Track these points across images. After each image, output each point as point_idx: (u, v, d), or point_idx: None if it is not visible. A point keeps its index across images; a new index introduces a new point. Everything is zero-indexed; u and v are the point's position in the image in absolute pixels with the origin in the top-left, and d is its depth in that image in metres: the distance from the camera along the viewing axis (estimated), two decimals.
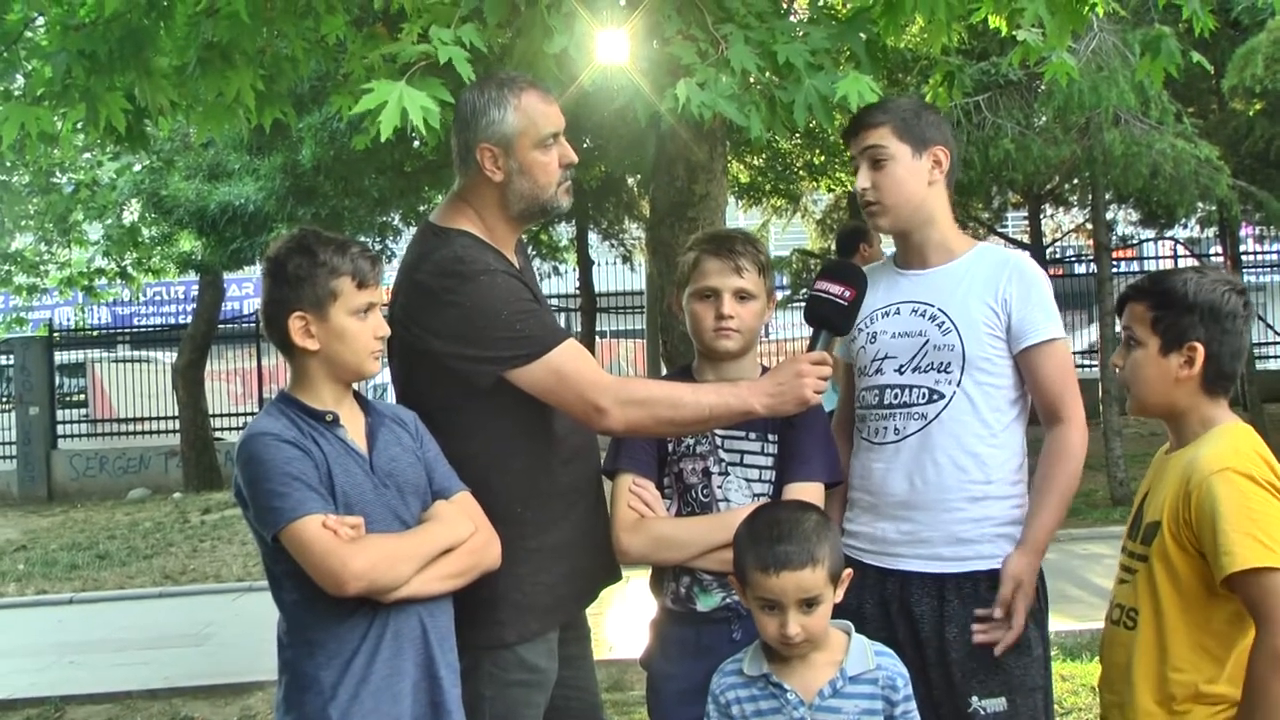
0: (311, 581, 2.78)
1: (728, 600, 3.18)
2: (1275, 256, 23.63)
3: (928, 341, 3.26)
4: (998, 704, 3.15)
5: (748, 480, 3.24)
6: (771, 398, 3.10)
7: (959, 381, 3.22)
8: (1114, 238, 20.03)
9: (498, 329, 3.09)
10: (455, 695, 2.98)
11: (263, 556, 2.95)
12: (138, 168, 16.74)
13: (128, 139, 5.84)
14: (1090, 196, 13.21)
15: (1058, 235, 22.48)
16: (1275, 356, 22.78)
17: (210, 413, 19.50)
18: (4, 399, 21.31)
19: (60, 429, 20.06)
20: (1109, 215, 19.34)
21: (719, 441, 3.25)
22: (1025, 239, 20.52)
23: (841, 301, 3.18)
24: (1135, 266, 22.10)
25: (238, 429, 20.43)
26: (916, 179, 3.29)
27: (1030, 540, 3.20)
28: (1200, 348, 2.80)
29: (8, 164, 14.50)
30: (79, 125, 5.42)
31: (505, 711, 3.22)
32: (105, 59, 4.97)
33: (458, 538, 2.97)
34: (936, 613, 3.20)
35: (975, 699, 3.14)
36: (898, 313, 3.34)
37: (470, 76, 3.38)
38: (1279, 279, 24.35)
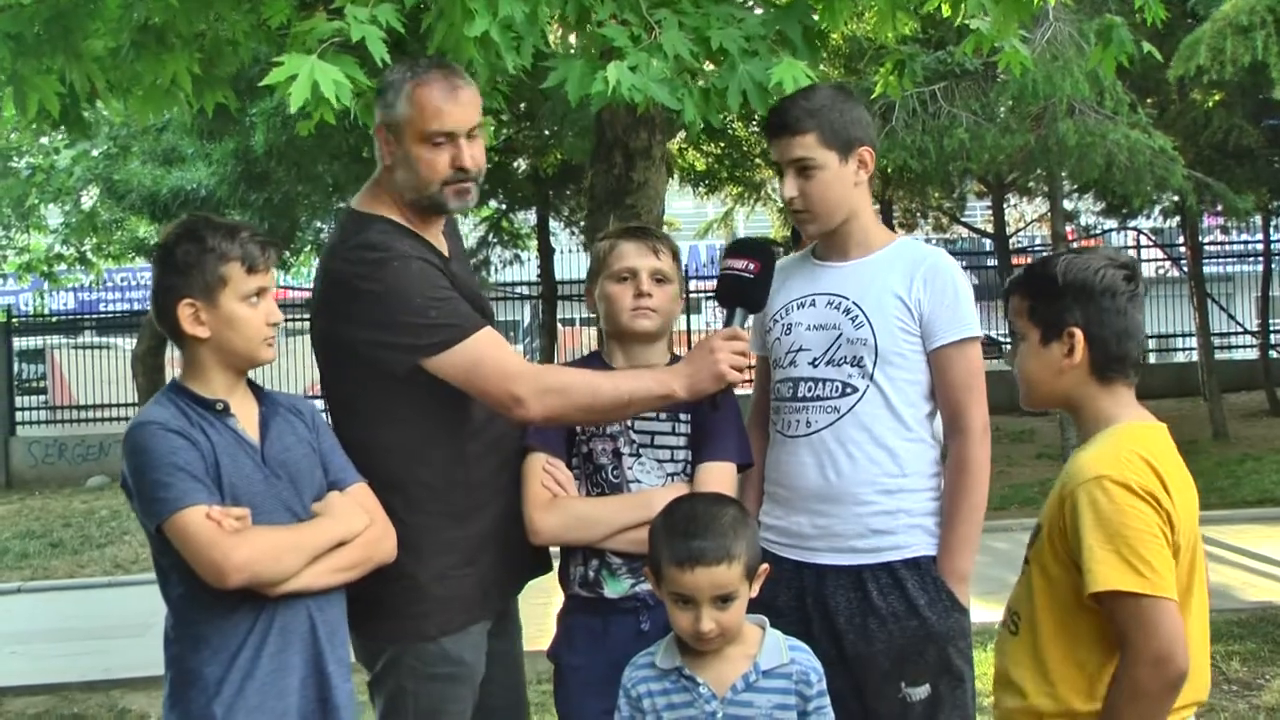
0: (197, 575, 2.73)
1: (636, 588, 3.14)
2: (1240, 247, 23.72)
3: (841, 335, 3.23)
4: (922, 690, 3.15)
5: (659, 461, 3.22)
6: (689, 378, 3.06)
7: (871, 375, 3.20)
8: (1077, 228, 20.14)
9: (412, 315, 3.03)
10: (346, 690, 2.94)
11: (150, 549, 2.89)
12: (95, 153, 16.60)
13: (64, 123, 5.76)
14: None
15: (1021, 225, 22.55)
16: (1237, 347, 22.94)
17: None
18: None
19: (19, 415, 19.88)
20: (1072, 205, 19.45)
21: (630, 423, 3.22)
22: (989, 228, 20.59)
23: (747, 275, 3.14)
24: None
25: None
26: (844, 184, 3.25)
27: (946, 567, 3.18)
28: (1078, 332, 2.60)
29: None
30: (6, 108, 5.35)
31: (430, 706, 3.18)
32: (32, 41, 4.89)
33: (351, 530, 2.92)
34: (855, 604, 3.18)
35: (903, 685, 3.13)
36: (813, 304, 3.32)
37: (384, 56, 3.33)
38: (1244, 269, 24.48)
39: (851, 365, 3.21)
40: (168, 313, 2.86)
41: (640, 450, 3.22)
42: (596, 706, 3.06)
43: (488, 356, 3.06)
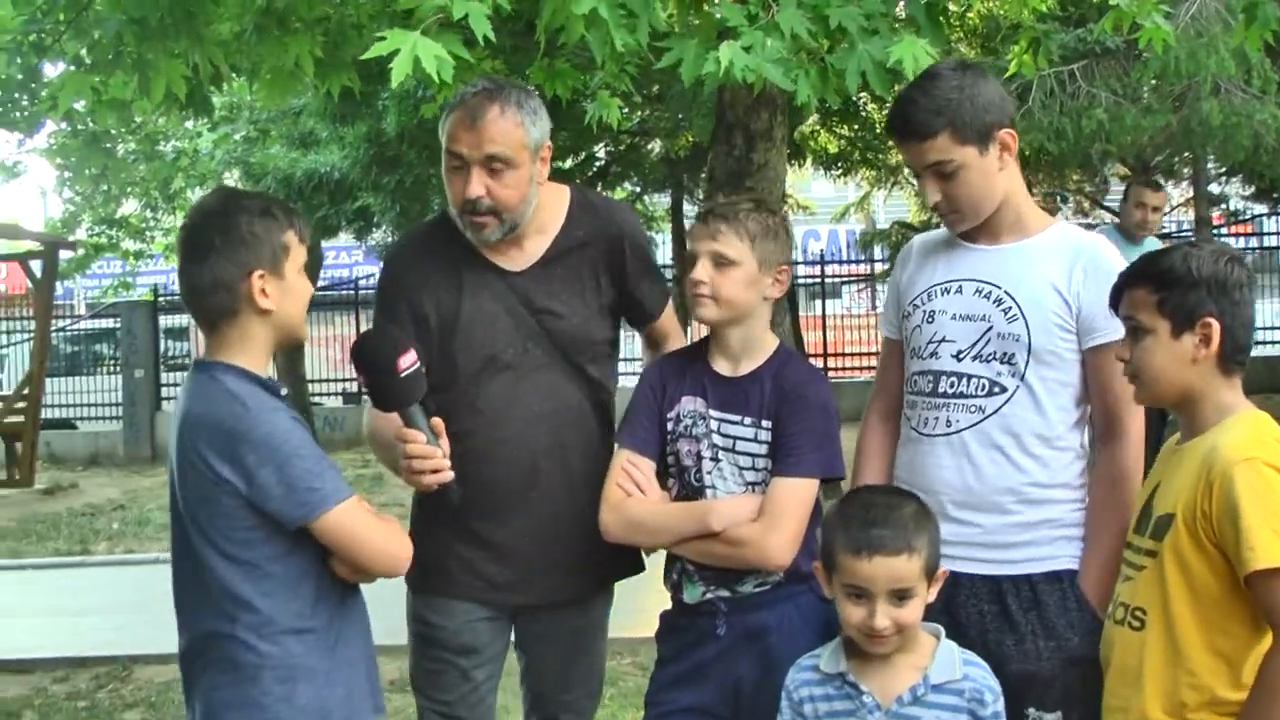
0: (289, 567, 2.67)
1: (707, 595, 3.07)
2: None
3: (991, 328, 2.98)
4: (1054, 717, 2.93)
5: (740, 468, 3.06)
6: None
7: (1023, 375, 2.96)
8: (1225, 212, 19.48)
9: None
10: (376, 667, 2.95)
11: (230, 539, 2.67)
12: (236, 137, 16.97)
13: (189, 106, 5.87)
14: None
15: (1166, 209, 21.86)
16: None
17: (308, 378, 19.71)
18: (111, 361, 21.71)
19: (165, 392, 20.27)
20: (1219, 189, 18.82)
21: (714, 425, 3.08)
22: None
23: (411, 371, 2.92)
24: (1254, 243, 20.83)
25: (336, 394, 20.67)
26: (989, 177, 2.99)
27: (1098, 594, 2.93)
28: (1215, 323, 2.60)
29: (112, 132, 14.80)
30: (138, 91, 5.45)
31: (413, 649, 3.43)
32: (157, 26, 4.96)
33: None
34: (990, 618, 2.96)
35: (1032, 710, 2.91)
36: (959, 291, 3.05)
37: (488, 33, 3.29)
38: None
39: (1001, 362, 2.97)
40: (230, 287, 2.70)
41: (720, 455, 3.08)
42: (677, 700, 3.08)
43: None
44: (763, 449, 3.05)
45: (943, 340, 3.05)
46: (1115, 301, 2.75)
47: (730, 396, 3.10)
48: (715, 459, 3.08)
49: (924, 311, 3.10)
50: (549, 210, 3.34)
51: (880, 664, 2.67)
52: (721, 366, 3.14)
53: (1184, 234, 22.77)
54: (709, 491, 3.07)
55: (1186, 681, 2.55)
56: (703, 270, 3.04)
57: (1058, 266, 2.98)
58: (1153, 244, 7.26)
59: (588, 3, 3.53)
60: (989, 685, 2.66)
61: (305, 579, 2.71)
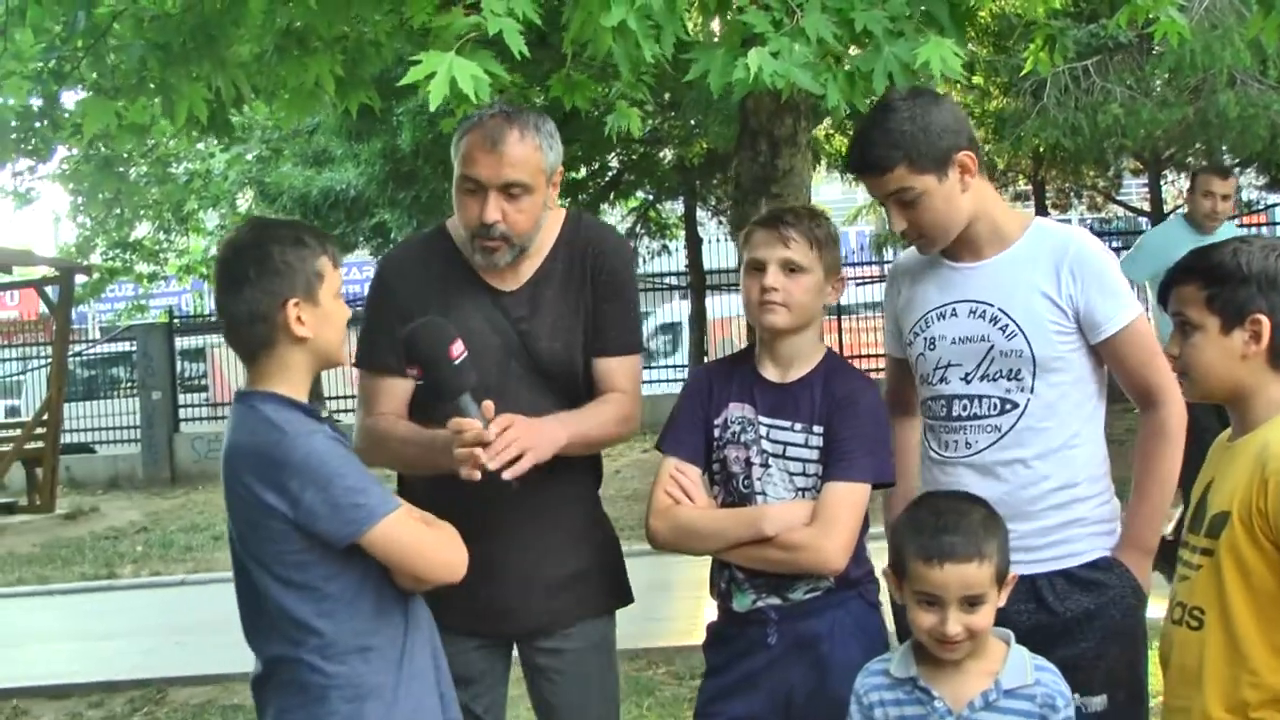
0: (345, 585, 2.64)
1: (758, 603, 3.05)
2: None
3: (993, 347, 3.02)
4: (1099, 701, 2.96)
5: (790, 474, 3.05)
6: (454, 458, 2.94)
7: (1032, 388, 2.99)
8: (1238, 203, 19.42)
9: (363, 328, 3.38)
10: (449, 678, 2.88)
11: (283, 569, 2.66)
12: (249, 157, 17.02)
13: (212, 128, 5.87)
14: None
15: (1180, 201, 21.82)
16: None
17: (325, 395, 19.73)
18: (128, 384, 21.76)
19: (182, 413, 20.38)
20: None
21: (764, 431, 3.08)
22: (1146, 206, 20.00)
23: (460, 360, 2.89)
24: (1267, 232, 20.99)
25: (353, 410, 20.68)
26: (951, 200, 3.02)
27: (1133, 539, 3.00)
28: (1265, 319, 2.55)
29: (124, 156, 14.83)
30: (159, 116, 5.47)
31: None
32: (179, 50, 4.97)
33: None
34: (1029, 616, 2.97)
35: (1078, 695, 2.88)
36: (954, 314, 3.09)
37: (521, 49, 3.28)
38: None
39: (1008, 379, 3.01)
40: (267, 318, 2.69)
41: (770, 461, 3.07)
42: (726, 710, 3.06)
43: (364, 390, 3.33)
44: (813, 455, 3.04)
45: (949, 365, 3.09)
46: (1164, 298, 2.72)
47: (780, 403, 3.10)
48: (765, 465, 3.07)
49: (924, 339, 3.14)
50: (543, 232, 3.29)
51: (951, 669, 2.66)
52: (770, 373, 3.13)
53: None
54: (758, 498, 3.06)
55: (1247, 680, 2.51)
56: (774, 277, 3.05)
57: (1044, 273, 3.01)
58: (1228, 232, 6.89)
59: (616, 14, 3.52)
60: (1060, 690, 2.65)
61: (363, 596, 2.68)
